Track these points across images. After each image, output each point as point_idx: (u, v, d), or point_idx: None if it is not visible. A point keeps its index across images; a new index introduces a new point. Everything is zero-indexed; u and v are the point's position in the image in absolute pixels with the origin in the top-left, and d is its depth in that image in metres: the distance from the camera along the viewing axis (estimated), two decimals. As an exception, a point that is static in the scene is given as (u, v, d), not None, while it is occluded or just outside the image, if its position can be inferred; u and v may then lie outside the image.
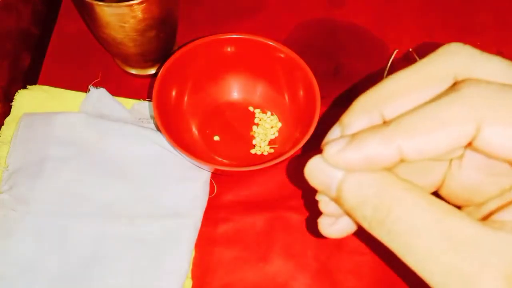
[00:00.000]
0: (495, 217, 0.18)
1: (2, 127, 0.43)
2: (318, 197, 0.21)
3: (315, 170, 0.20)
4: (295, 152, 0.37)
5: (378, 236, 0.18)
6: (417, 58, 0.49)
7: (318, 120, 0.39)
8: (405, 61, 0.49)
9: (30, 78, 0.47)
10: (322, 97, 0.40)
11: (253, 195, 0.42)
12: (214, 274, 0.39)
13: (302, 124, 0.41)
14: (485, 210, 0.20)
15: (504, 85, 0.17)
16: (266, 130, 0.44)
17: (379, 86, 0.20)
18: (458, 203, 0.22)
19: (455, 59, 0.18)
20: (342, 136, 0.19)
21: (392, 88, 0.19)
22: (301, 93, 0.42)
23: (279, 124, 0.45)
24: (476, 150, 0.17)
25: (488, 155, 0.17)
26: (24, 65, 0.48)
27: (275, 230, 0.41)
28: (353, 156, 0.18)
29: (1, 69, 0.44)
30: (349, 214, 0.19)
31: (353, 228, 0.22)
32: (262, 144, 0.44)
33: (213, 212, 0.41)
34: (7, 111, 0.44)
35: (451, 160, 0.21)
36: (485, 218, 0.19)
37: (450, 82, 0.18)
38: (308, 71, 0.40)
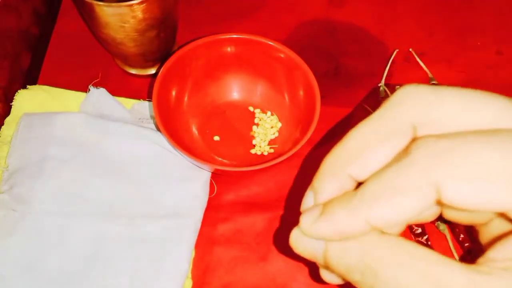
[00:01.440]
0: (488, 253, 0.18)
1: (2, 127, 0.43)
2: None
3: (299, 242, 0.20)
4: (295, 152, 0.37)
5: None
6: (417, 58, 0.49)
7: (318, 120, 0.39)
8: (405, 61, 0.49)
9: (30, 78, 0.47)
10: (322, 97, 0.40)
11: (253, 195, 0.42)
12: (214, 274, 0.39)
13: (302, 124, 0.41)
14: (492, 228, 0.20)
15: (454, 136, 0.17)
16: (266, 130, 0.44)
17: (341, 145, 0.19)
18: (464, 223, 0.22)
19: (410, 107, 0.18)
20: (315, 205, 0.19)
21: (353, 147, 0.19)
22: (301, 93, 0.42)
23: (279, 124, 0.45)
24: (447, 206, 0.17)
25: (459, 210, 0.17)
26: (24, 65, 0.48)
27: (275, 230, 0.41)
28: (325, 229, 0.18)
29: (1, 69, 0.44)
30: (342, 278, 0.19)
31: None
32: (262, 144, 0.44)
33: (213, 212, 0.41)
34: (7, 111, 0.44)
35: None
36: (491, 242, 0.18)
37: (409, 132, 0.18)
38: (308, 71, 0.40)
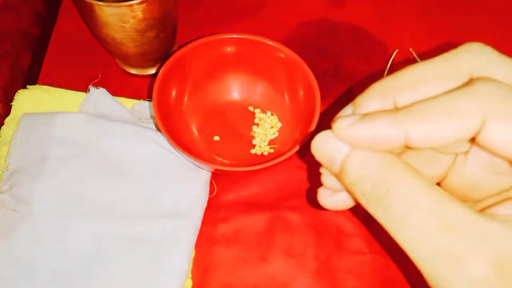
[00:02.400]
0: (489, 210, 0.19)
1: (2, 127, 0.43)
2: (321, 169, 0.22)
3: (322, 144, 0.20)
4: (295, 152, 0.37)
5: (373, 212, 0.19)
6: (417, 58, 0.49)
7: (318, 120, 0.39)
8: (405, 61, 0.49)
9: (30, 78, 0.47)
10: (322, 97, 0.40)
11: (253, 195, 0.42)
12: (214, 274, 0.39)
13: (302, 124, 0.41)
14: (483, 204, 0.21)
15: None
16: (266, 130, 0.44)
17: (397, 74, 0.20)
18: (460, 197, 0.22)
19: (474, 59, 0.19)
20: (350, 114, 0.20)
21: (409, 78, 0.20)
22: (301, 93, 0.42)
23: (279, 124, 0.45)
24: (479, 145, 0.18)
25: (490, 151, 0.18)
26: (24, 65, 0.48)
27: (275, 230, 0.41)
28: (361, 132, 0.18)
29: (1, 69, 0.44)
30: (348, 189, 0.20)
31: (349, 204, 0.22)
32: (262, 144, 0.44)
33: (213, 212, 0.41)
34: (7, 111, 0.44)
35: (456, 154, 0.21)
36: (480, 211, 0.19)
37: (465, 80, 0.19)
38: (308, 71, 0.40)
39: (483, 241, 0.16)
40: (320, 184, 0.23)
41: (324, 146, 0.20)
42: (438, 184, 0.23)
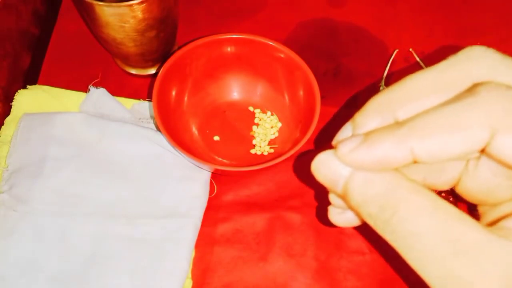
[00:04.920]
0: (503, 222, 0.18)
1: (2, 127, 0.43)
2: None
3: (322, 166, 0.19)
4: (295, 152, 0.37)
5: (382, 234, 0.18)
6: (417, 58, 0.49)
7: (318, 120, 0.39)
8: (405, 61, 0.49)
9: (30, 78, 0.47)
10: (322, 97, 0.40)
11: (253, 195, 0.42)
12: (214, 274, 0.39)
13: (302, 124, 0.41)
14: (500, 211, 0.20)
15: None
16: (266, 130, 0.44)
17: (395, 86, 0.19)
18: (474, 201, 0.22)
19: (476, 66, 0.18)
20: (354, 135, 0.19)
21: (408, 91, 0.19)
22: (301, 93, 0.42)
23: (279, 124, 0.45)
24: (488, 156, 0.17)
25: (500, 163, 0.17)
26: (24, 65, 0.48)
27: (275, 230, 0.41)
28: (365, 156, 0.18)
29: (1, 69, 0.44)
30: (354, 211, 0.19)
31: (358, 222, 0.22)
32: (262, 144, 0.44)
33: (213, 212, 0.41)
34: (7, 111, 0.44)
35: (467, 160, 0.21)
36: (496, 221, 0.19)
37: (468, 86, 0.18)
38: (308, 71, 0.40)
39: (492, 263, 0.16)
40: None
41: (324, 168, 0.19)
42: (453, 188, 0.22)
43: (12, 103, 0.44)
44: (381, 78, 0.48)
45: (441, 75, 0.19)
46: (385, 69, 0.48)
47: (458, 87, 0.18)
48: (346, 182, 0.19)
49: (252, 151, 0.44)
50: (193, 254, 0.39)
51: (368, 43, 0.51)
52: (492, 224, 0.18)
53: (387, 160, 0.18)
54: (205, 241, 0.40)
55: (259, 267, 0.39)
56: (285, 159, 0.37)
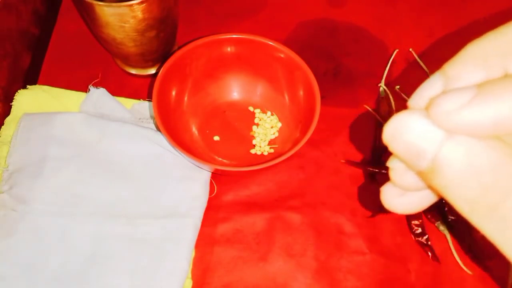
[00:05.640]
0: None
1: (2, 127, 0.43)
2: (390, 163, 0.17)
3: (406, 131, 0.15)
4: (295, 152, 0.37)
5: (480, 224, 0.14)
6: (417, 58, 0.49)
7: (318, 120, 0.39)
8: (405, 61, 0.49)
9: (30, 78, 0.47)
10: (322, 97, 0.40)
11: (253, 195, 0.42)
12: (214, 274, 0.39)
13: (302, 124, 0.41)
14: None
15: None
16: (266, 130, 0.44)
17: (501, 30, 0.15)
18: None
19: None
20: (458, 88, 0.14)
21: None
22: (301, 93, 0.42)
23: (279, 124, 0.45)
24: None
25: None
26: (24, 65, 0.48)
27: (275, 230, 0.41)
28: (480, 115, 0.13)
29: (1, 69, 0.44)
30: (438, 191, 0.15)
31: (423, 206, 0.17)
32: (262, 144, 0.44)
33: (213, 212, 0.41)
34: (7, 111, 0.44)
35: None
36: None
37: None
38: (308, 71, 0.40)
39: None
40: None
41: (407, 132, 0.14)
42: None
43: (12, 103, 0.44)
44: (381, 78, 0.48)
45: None
46: (385, 69, 0.48)
47: None
48: (439, 152, 0.14)
49: (252, 151, 0.44)
50: (193, 254, 0.39)
51: (368, 43, 0.51)
52: None
53: (509, 121, 0.13)
54: (205, 241, 0.40)
55: (259, 267, 0.39)
56: (285, 159, 0.37)
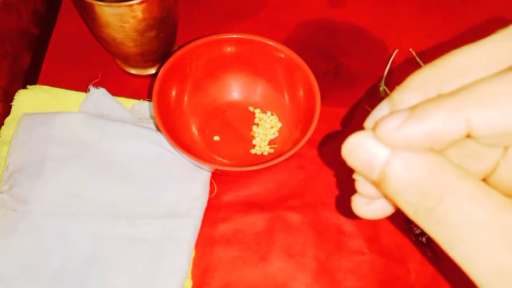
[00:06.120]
0: None
1: (2, 127, 0.43)
2: (355, 175, 0.19)
3: (357, 148, 0.17)
4: (295, 152, 0.37)
5: (423, 225, 0.16)
6: (417, 58, 0.49)
7: (318, 120, 0.39)
8: (405, 61, 0.49)
9: (30, 78, 0.47)
10: (322, 97, 0.40)
11: (253, 195, 0.42)
12: (214, 274, 0.39)
13: (302, 124, 0.41)
14: None
15: None
16: (266, 130, 0.44)
17: (439, 62, 0.17)
18: (509, 195, 0.19)
19: None
20: (397, 111, 0.17)
21: (457, 64, 0.17)
22: (301, 93, 0.42)
23: (279, 124, 0.45)
24: None
25: None
26: (24, 65, 0.48)
27: (275, 230, 0.41)
28: (413, 132, 0.16)
29: (1, 69, 0.44)
30: (390, 199, 0.17)
31: (390, 211, 0.20)
32: (262, 144, 0.44)
33: (213, 212, 0.41)
34: (7, 111, 0.44)
35: (506, 147, 0.19)
36: None
37: None
38: (308, 71, 0.40)
39: None
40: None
41: (359, 150, 0.17)
42: (484, 180, 0.20)
43: (12, 103, 0.44)
44: (381, 78, 0.48)
45: (491, 49, 0.17)
46: (385, 69, 0.48)
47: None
48: (384, 165, 0.17)
49: (252, 151, 0.44)
50: (193, 254, 0.39)
51: (368, 43, 0.51)
52: None
53: (439, 135, 0.15)
54: (205, 241, 0.40)
55: (259, 267, 0.39)
56: (285, 159, 0.37)
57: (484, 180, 0.20)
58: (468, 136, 0.16)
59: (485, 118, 0.15)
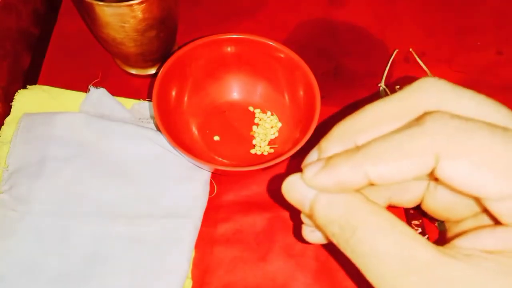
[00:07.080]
0: (455, 241, 0.19)
1: (2, 127, 0.43)
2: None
3: (291, 189, 0.21)
4: (295, 152, 0.37)
5: (344, 252, 0.19)
6: (417, 58, 0.49)
7: (318, 120, 0.39)
8: (405, 61, 0.49)
9: (30, 78, 0.47)
10: (322, 97, 0.40)
11: (253, 195, 0.42)
12: (214, 274, 0.39)
13: (302, 124, 0.41)
14: (461, 227, 0.21)
15: (468, 119, 0.18)
16: (266, 130, 0.44)
17: (357, 114, 0.21)
18: (438, 218, 0.23)
19: (427, 95, 0.19)
20: (319, 159, 0.21)
21: (367, 118, 0.20)
22: (301, 93, 0.42)
23: (279, 124, 0.45)
24: (437, 179, 0.18)
25: (446, 186, 0.18)
26: (24, 65, 0.48)
27: (275, 230, 0.41)
28: (326, 179, 0.19)
29: (1, 69, 0.44)
30: (320, 230, 0.21)
31: (326, 240, 0.23)
32: (262, 144, 0.44)
33: (213, 212, 0.41)
34: (7, 111, 0.44)
35: (429, 181, 0.22)
36: (456, 237, 0.20)
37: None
38: (308, 71, 0.40)
39: (440, 281, 0.17)
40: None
41: (292, 190, 0.21)
42: (419, 205, 0.24)
43: (12, 103, 0.44)
44: (381, 78, 0.48)
45: (397, 104, 0.20)
46: (385, 69, 0.48)
47: (411, 115, 0.19)
48: (312, 203, 0.20)
49: (252, 151, 0.44)
50: (193, 254, 0.39)
51: (368, 43, 0.51)
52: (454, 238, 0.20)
53: (345, 183, 0.19)
54: (205, 241, 0.40)
55: (259, 267, 0.39)
56: (285, 159, 0.37)
57: (419, 205, 0.24)
58: (371, 184, 0.19)
59: (377, 173, 0.18)
